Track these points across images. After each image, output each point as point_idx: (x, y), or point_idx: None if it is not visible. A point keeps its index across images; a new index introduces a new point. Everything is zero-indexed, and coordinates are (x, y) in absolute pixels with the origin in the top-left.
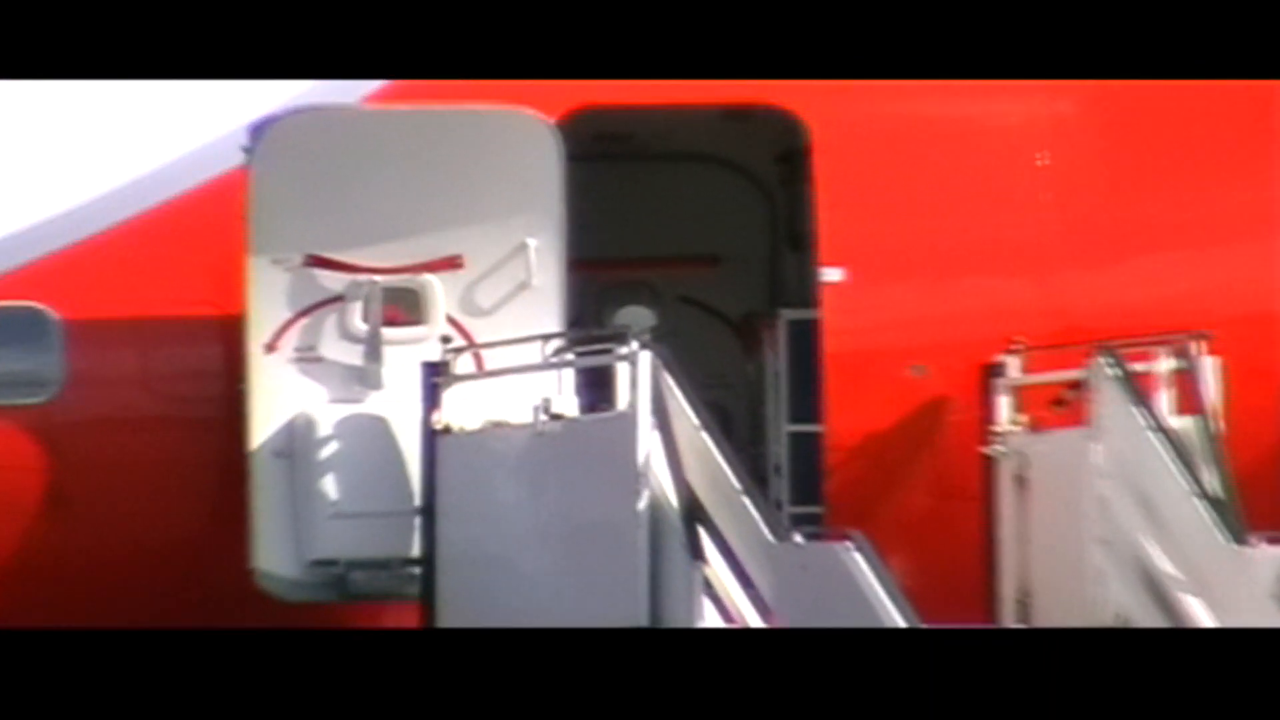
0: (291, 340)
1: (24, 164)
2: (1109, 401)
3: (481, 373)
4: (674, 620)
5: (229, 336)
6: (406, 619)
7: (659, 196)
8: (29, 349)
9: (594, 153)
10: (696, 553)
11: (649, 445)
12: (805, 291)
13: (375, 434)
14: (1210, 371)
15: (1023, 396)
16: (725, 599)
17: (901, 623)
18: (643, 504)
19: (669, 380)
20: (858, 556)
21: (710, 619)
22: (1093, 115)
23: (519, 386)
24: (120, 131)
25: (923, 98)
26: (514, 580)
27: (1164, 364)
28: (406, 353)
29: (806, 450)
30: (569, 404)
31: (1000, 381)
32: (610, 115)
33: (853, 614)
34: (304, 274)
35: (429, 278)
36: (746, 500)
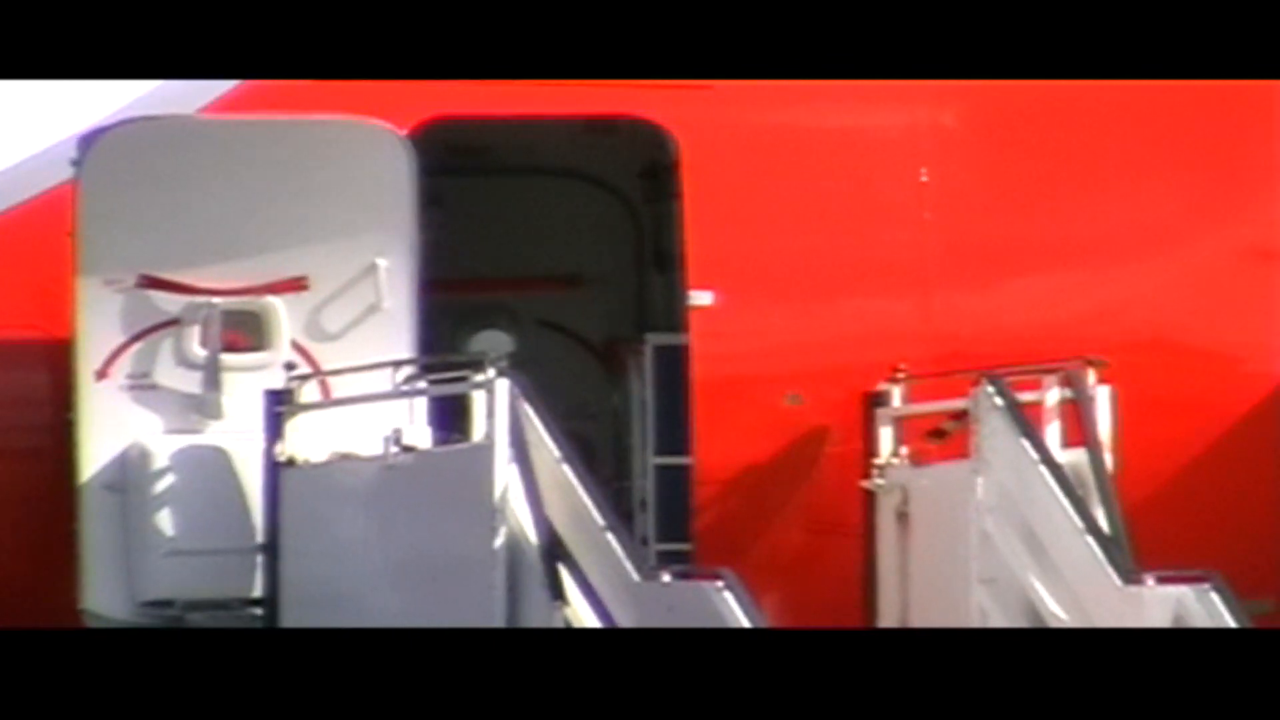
0: (124, 366)
1: None
2: (994, 433)
3: (328, 401)
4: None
5: (56, 362)
6: None
7: (517, 214)
8: None
9: (448, 167)
10: (557, 593)
11: (506, 478)
12: (673, 315)
13: (214, 466)
14: (1102, 401)
15: (905, 427)
16: None
17: None
18: (500, 541)
19: (528, 409)
20: (728, 596)
21: None
22: (978, 128)
23: (368, 416)
24: None
25: (799, 109)
26: (363, 621)
27: (1053, 393)
28: (248, 380)
29: (674, 484)
30: (421, 435)
31: (881, 411)
32: (465, 127)
33: None
34: (137, 295)
35: (272, 300)
36: (610, 537)
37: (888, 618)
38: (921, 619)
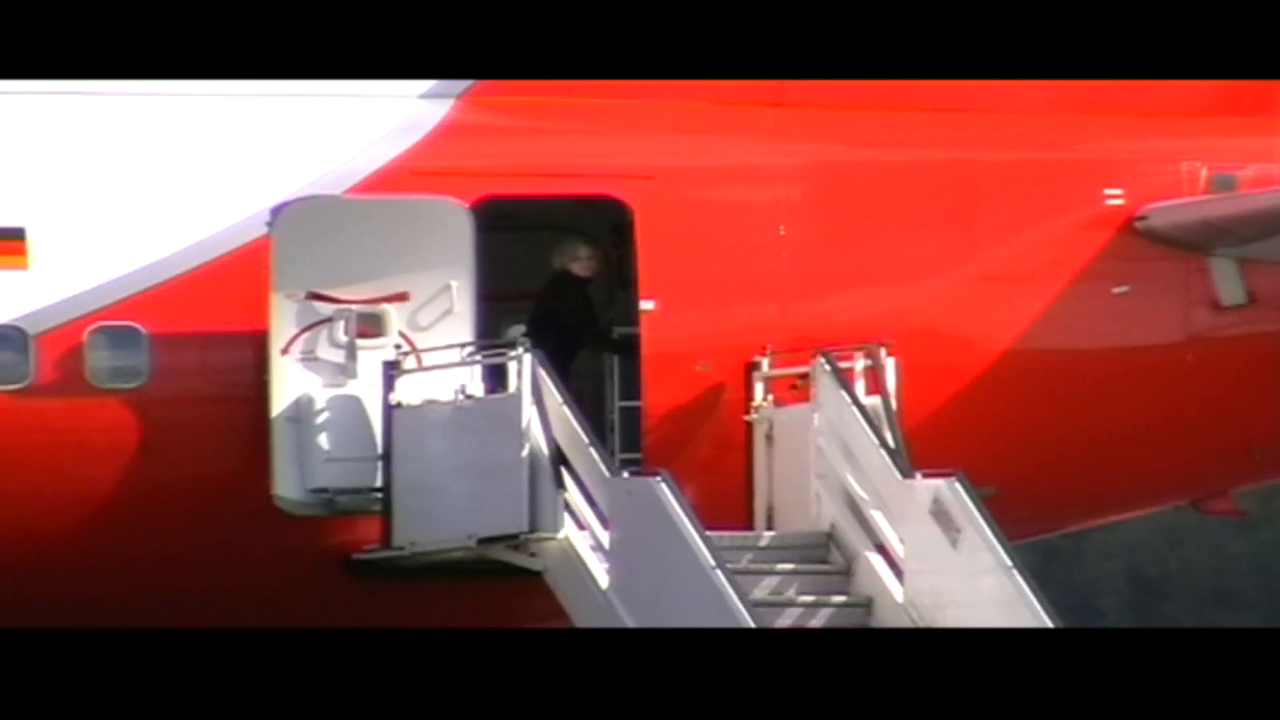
0: (299, 347)
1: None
2: (824, 387)
3: (421, 368)
4: (544, 527)
5: (259, 344)
6: (375, 526)
7: (538, 253)
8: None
9: (496, 226)
10: (560, 484)
11: (529, 415)
12: (630, 315)
13: (353, 407)
14: (890, 368)
15: (771, 384)
16: (579, 514)
17: (692, 530)
18: (525, 453)
19: (542, 373)
20: (664, 487)
21: (569, 527)
22: (817, 196)
23: (446, 378)
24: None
25: (705, 190)
26: (442, 501)
27: (860, 363)
28: (373, 355)
29: (632, 419)
30: (477, 388)
31: (756, 374)
32: (505, 202)
33: (662, 525)
34: (306, 304)
35: (386, 306)
36: (592, 450)
37: (760, 498)
38: (779, 501)
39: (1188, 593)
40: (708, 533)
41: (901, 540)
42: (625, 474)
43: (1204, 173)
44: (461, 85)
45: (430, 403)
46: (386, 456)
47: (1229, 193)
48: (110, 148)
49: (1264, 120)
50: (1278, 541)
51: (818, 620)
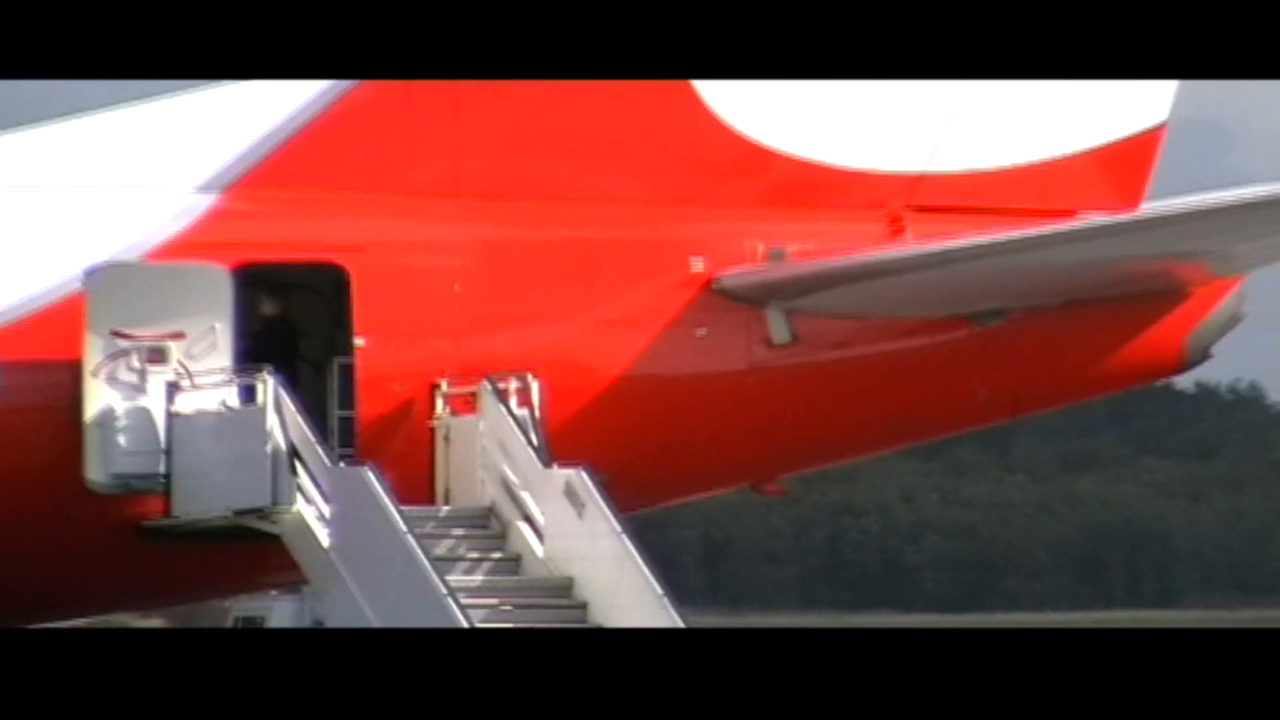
0: (104, 370)
1: None
2: (487, 402)
3: (193, 387)
4: (282, 501)
5: (75, 369)
6: (159, 503)
7: (283, 305)
8: None
9: (249, 283)
10: (294, 471)
11: (273, 421)
12: (346, 348)
13: (144, 415)
14: (534, 389)
15: (449, 399)
16: (308, 494)
17: (389, 506)
18: (269, 448)
19: (281, 391)
20: (369, 474)
21: (300, 503)
22: (482, 264)
23: (212, 394)
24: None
25: (399, 257)
26: (208, 484)
27: (513, 384)
28: (159, 378)
29: (347, 424)
30: (234, 401)
31: (438, 392)
32: (259, 267)
33: (368, 501)
34: (111, 339)
35: (169, 342)
36: (318, 447)
37: (440, 482)
38: (454, 486)
39: (744, 553)
40: (401, 507)
41: (542, 513)
42: (342, 464)
43: (761, 248)
44: (225, 180)
45: (200, 412)
46: (168, 451)
47: (779, 263)
48: None
49: (805, 210)
50: (815, 516)
51: (480, 571)
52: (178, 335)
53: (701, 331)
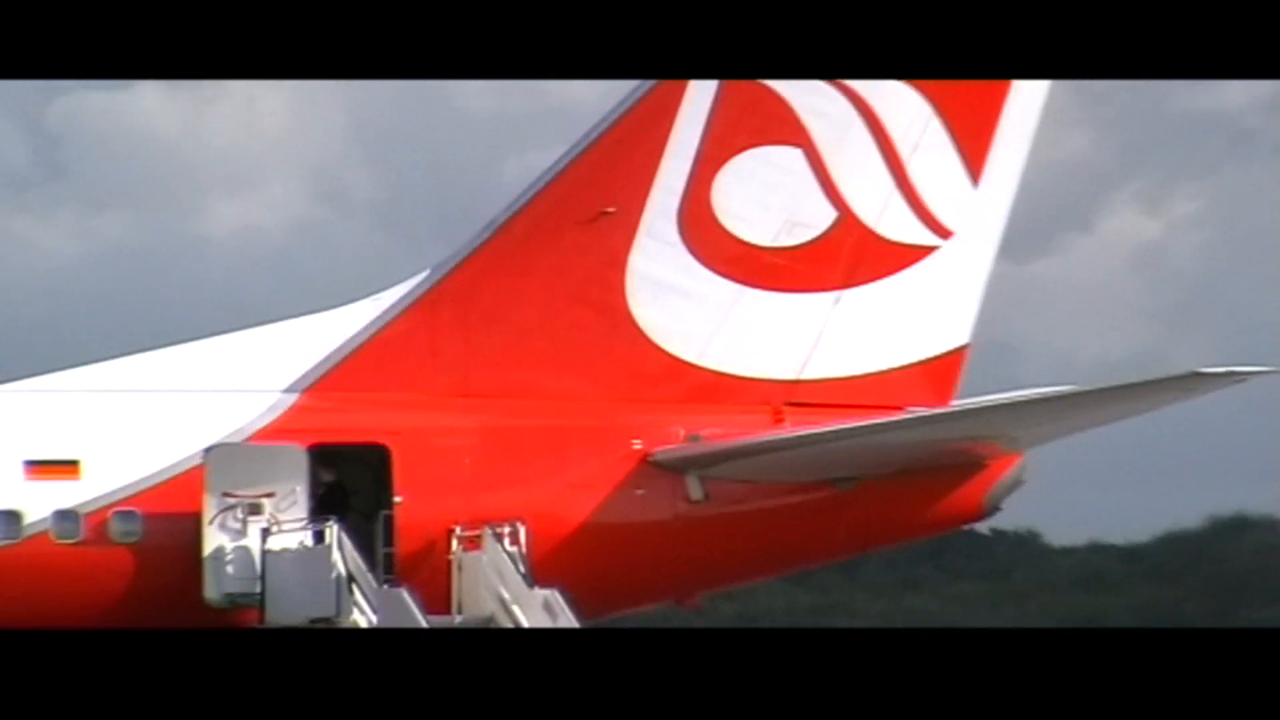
0: (218, 520)
1: None
2: (489, 542)
3: (280, 531)
4: (343, 613)
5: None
6: (255, 613)
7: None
8: None
9: (320, 458)
10: (350, 590)
11: (336, 555)
12: (390, 502)
13: (245, 551)
14: (522, 533)
15: (462, 540)
16: (361, 607)
17: (419, 615)
18: (333, 575)
19: (343, 535)
20: (406, 594)
21: (355, 613)
22: (484, 445)
23: (294, 536)
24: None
25: (426, 440)
26: (291, 599)
27: (507, 529)
28: (256, 525)
29: (389, 558)
30: (309, 541)
31: (455, 534)
32: (325, 446)
33: (405, 612)
34: (223, 497)
35: (263, 499)
36: (369, 574)
37: (455, 599)
38: (465, 599)
39: None
40: (428, 615)
41: (527, 620)
42: (385, 586)
43: (683, 432)
44: (304, 385)
45: (285, 549)
46: (262, 577)
47: (696, 443)
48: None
49: (714, 406)
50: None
51: None
52: (269, 495)
53: (640, 491)
